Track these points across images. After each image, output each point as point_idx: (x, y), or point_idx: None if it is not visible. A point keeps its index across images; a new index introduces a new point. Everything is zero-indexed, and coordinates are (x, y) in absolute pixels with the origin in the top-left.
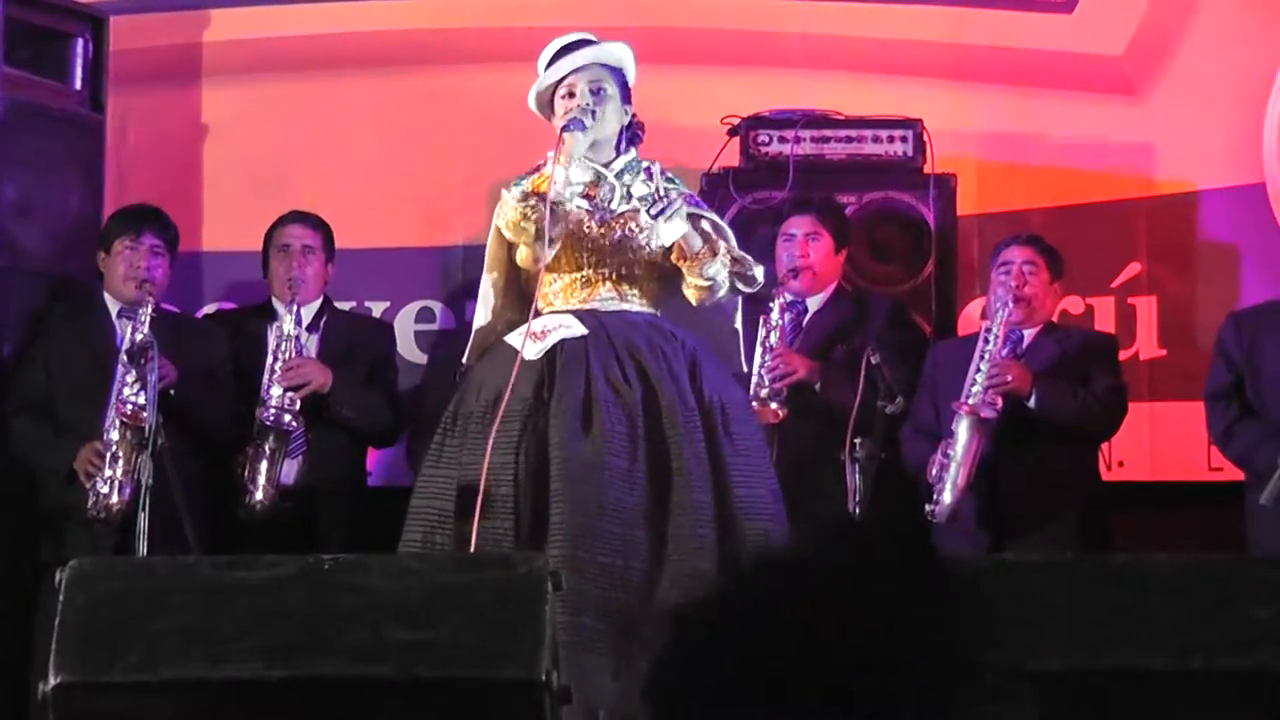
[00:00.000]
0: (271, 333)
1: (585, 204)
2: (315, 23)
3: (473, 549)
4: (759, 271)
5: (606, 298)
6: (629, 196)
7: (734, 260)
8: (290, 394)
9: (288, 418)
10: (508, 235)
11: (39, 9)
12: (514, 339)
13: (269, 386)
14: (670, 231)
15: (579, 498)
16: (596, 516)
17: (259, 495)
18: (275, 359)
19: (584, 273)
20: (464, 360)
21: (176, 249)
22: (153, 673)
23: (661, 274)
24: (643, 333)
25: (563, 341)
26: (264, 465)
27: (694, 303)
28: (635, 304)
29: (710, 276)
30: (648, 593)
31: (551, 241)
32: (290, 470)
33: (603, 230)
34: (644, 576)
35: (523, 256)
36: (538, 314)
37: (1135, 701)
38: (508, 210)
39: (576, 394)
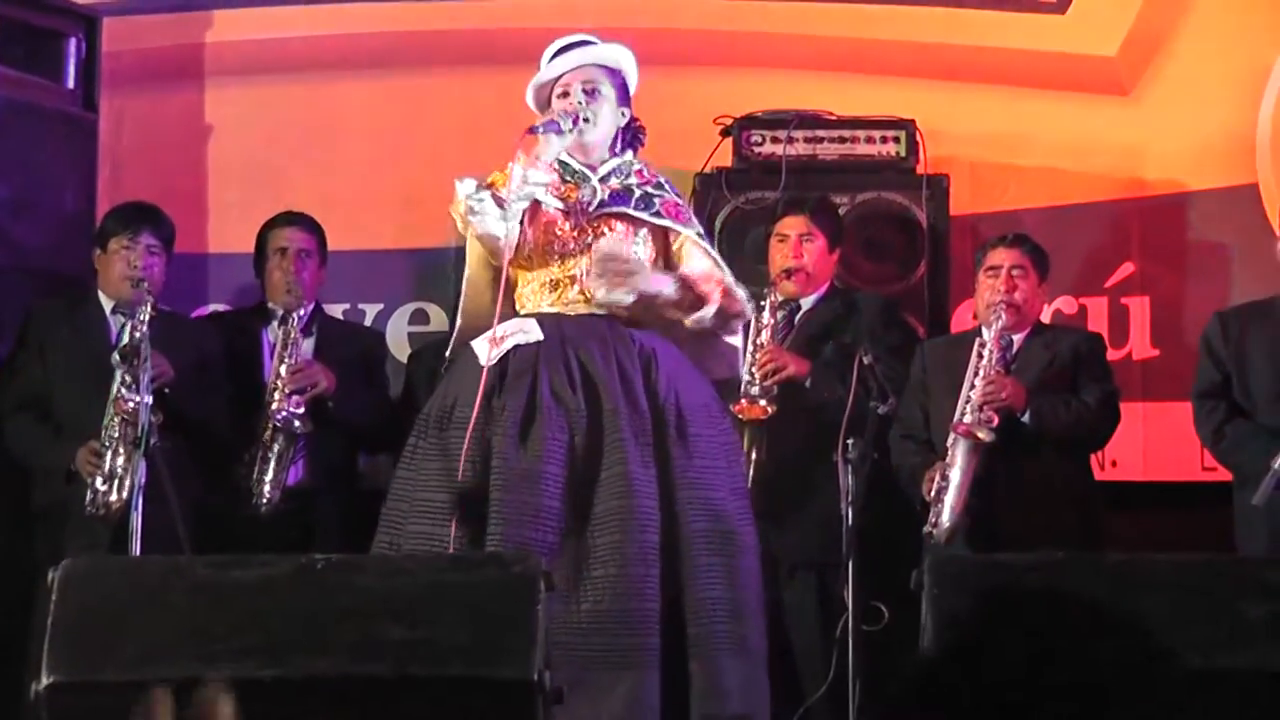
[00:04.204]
0: (268, 335)
1: (560, 205)
2: (312, 25)
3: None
4: (749, 308)
5: (573, 299)
6: (614, 200)
7: (724, 293)
8: (297, 396)
9: (297, 422)
10: (458, 225)
11: (32, 8)
12: (476, 344)
13: (275, 389)
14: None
15: (514, 507)
16: (531, 526)
17: (266, 496)
18: (281, 362)
19: (552, 275)
20: (447, 356)
21: (173, 247)
22: (146, 672)
23: None
24: (599, 337)
25: (517, 347)
26: (272, 467)
27: (686, 324)
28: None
29: (698, 319)
30: (578, 599)
31: (491, 236)
32: (293, 471)
33: (576, 233)
34: (575, 583)
35: (489, 254)
36: (512, 316)
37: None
38: (458, 202)
39: (520, 402)
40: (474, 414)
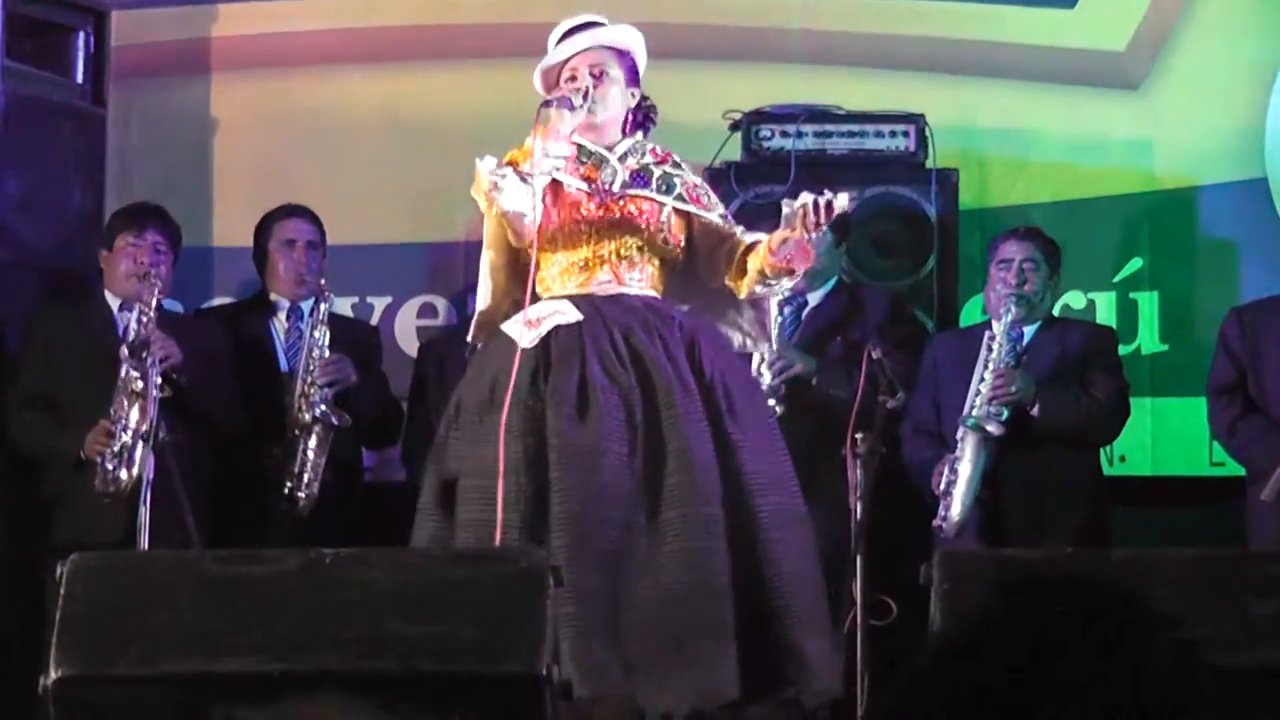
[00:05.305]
0: (275, 327)
1: (584, 186)
2: (319, 19)
3: (459, 539)
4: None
5: (604, 280)
6: (635, 180)
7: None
8: (328, 390)
9: (334, 417)
10: (481, 206)
11: (41, 3)
12: (510, 328)
13: (309, 381)
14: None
15: (577, 485)
16: (596, 503)
17: (304, 491)
18: (311, 353)
19: (582, 256)
20: (469, 340)
21: (179, 248)
22: (154, 667)
23: (663, 256)
24: (639, 316)
25: (557, 328)
26: (310, 460)
27: (741, 295)
28: (634, 287)
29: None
30: (651, 574)
31: (517, 213)
32: None
33: (601, 212)
34: (643, 561)
35: (511, 234)
36: (535, 299)
37: None
38: (480, 179)
39: (571, 381)
40: (507, 395)
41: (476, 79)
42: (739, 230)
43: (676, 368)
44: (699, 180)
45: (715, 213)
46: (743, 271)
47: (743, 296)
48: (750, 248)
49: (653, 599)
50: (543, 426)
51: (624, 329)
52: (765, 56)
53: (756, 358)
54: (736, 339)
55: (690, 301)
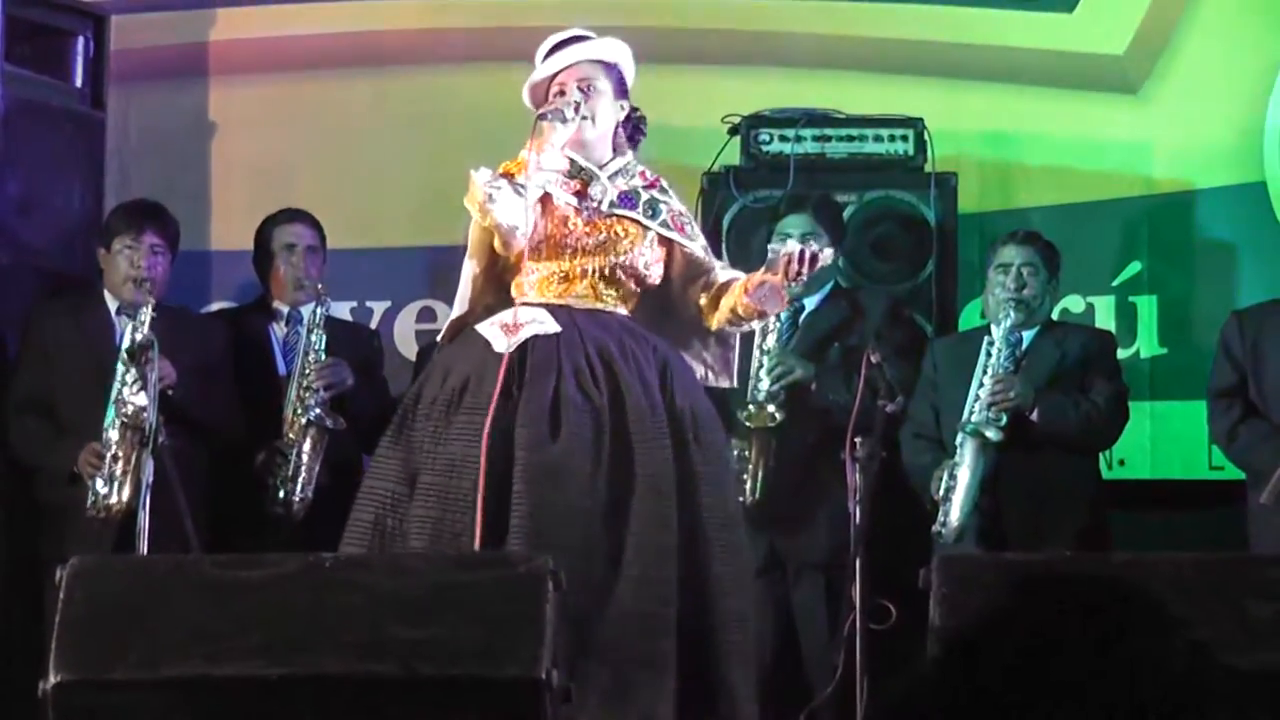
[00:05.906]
0: (274, 331)
1: (573, 201)
2: (320, 22)
3: (422, 537)
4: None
5: (582, 294)
6: (623, 201)
7: None
8: (324, 393)
9: (329, 420)
10: (475, 216)
11: (40, 7)
12: (485, 329)
13: (306, 386)
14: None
15: (540, 501)
16: (557, 522)
17: (298, 495)
18: (306, 356)
19: (563, 268)
20: (437, 343)
21: (177, 246)
22: (153, 671)
23: (640, 279)
24: (614, 334)
25: (535, 338)
26: (305, 464)
27: (713, 327)
28: (610, 304)
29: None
30: (604, 598)
31: (510, 225)
32: None
33: (587, 229)
34: (601, 582)
35: (498, 243)
36: (513, 304)
37: None
38: (474, 190)
39: (545, 395)
40: (493, 400)
41: (476, 83)
42: (718, 265)
43: (648, 391)
44: (684, 209)
45: (697, 244)
46: (715, 305)
47: (712, 330)
48: (725, 285)
49: (602, 623)
50: (510, 437)
51: (599, 346)
52: (764, 60)
53: (755, 362)
54: (699, 370)
55: (659, 328)
